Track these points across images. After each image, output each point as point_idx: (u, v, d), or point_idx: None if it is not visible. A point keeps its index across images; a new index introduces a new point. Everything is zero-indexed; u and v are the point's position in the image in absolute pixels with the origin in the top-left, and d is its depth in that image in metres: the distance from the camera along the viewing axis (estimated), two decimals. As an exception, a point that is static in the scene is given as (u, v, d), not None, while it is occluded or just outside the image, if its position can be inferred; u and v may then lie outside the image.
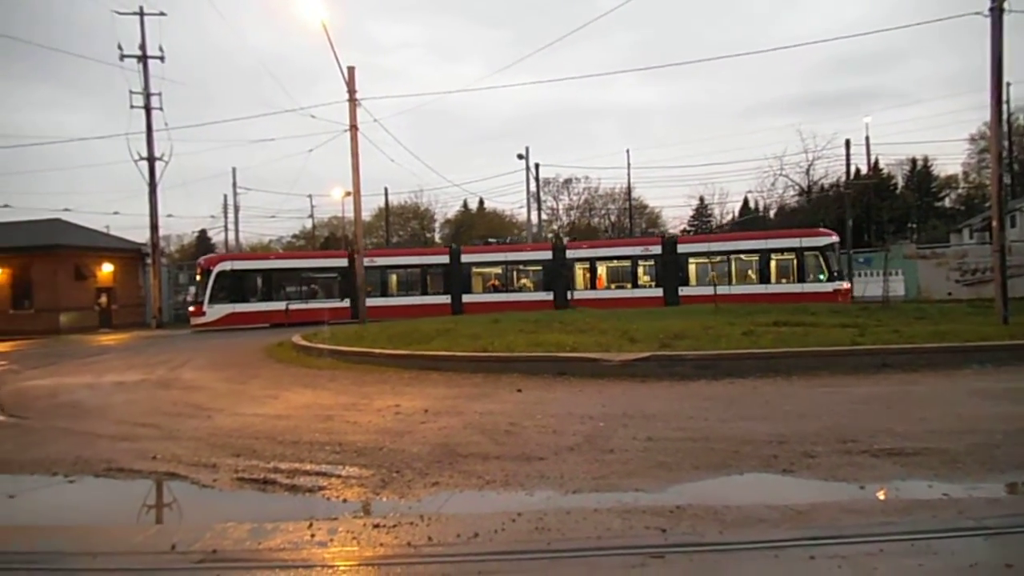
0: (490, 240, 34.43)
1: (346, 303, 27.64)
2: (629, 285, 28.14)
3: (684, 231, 59.65)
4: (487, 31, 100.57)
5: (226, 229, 47.88)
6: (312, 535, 3.58)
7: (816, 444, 5.04)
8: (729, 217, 61.39)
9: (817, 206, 43.16)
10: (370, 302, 25.80)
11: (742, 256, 27.28)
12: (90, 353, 17.39)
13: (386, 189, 48.38)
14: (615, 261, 28.96)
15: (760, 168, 62.24)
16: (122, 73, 30.46)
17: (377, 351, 11.38)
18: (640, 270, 28.15)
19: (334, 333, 15.86)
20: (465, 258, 29.34)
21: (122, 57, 28.90)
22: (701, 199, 60.32)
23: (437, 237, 63.21)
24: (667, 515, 3.69)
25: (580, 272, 28.76)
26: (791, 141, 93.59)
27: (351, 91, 20.73)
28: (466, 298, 28.48)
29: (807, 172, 45.47)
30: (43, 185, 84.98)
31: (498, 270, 29.56)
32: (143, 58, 29.04)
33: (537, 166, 40.66)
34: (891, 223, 50.39)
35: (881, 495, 4.10)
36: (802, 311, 14.25)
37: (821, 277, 25.47)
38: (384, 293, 28.52)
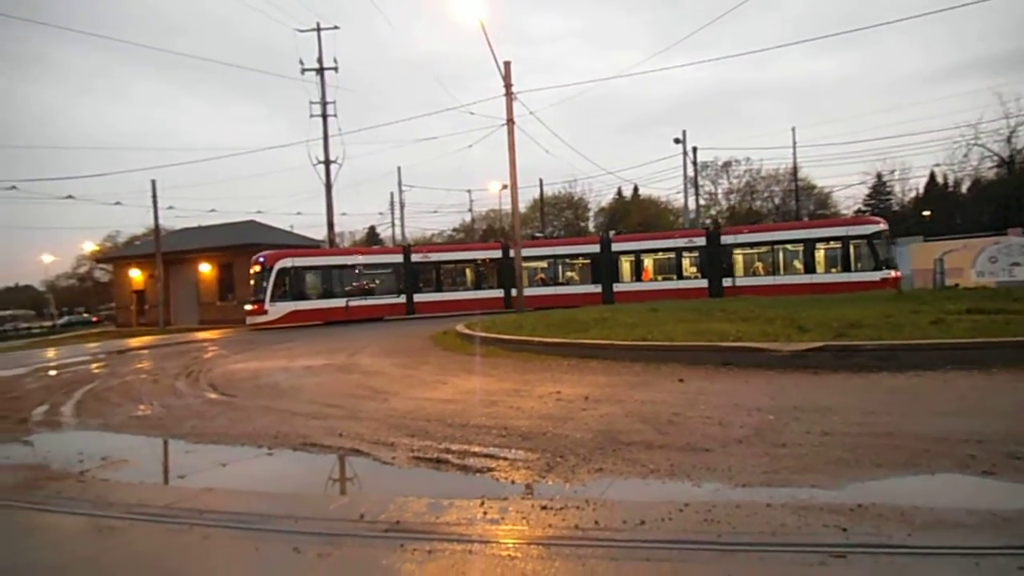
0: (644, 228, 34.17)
1: (402, 299, 28.33)
2: (675, 276, 28.01)
3: (858, 211, 55.01)
4: (644, 15, 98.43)
5: (392, 225, 51.10)
6: (484, 512, 3.78)
7: (1023, 445, 4.49)
8: (912, 194, 55.68)
9: (1021, 178, 37.93)
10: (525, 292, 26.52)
11: (788, 246, 26.80)
12: (282, 340, 19.33)
13: (541, 180, 49.03)
14: (660, 253, 28.74)
15: (950, 139, 55.56)
16: (302, 86, 33.35)
17: (536, 339, 11.63)
18: (686, 262, 27.97)
19: (494, 322, 16.41)
20: (616, 247, 29.18)
21: (303, 71, 31.77)
22: (879, 176, 55.18)
23: (591, 226, 63.11)
24: (847, 513, 3.47)
25: (625, 264, 28.87)
26: (988, 107, 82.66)
27: (507, 85, 21.24)
28: (617, 287, 28.32)
29: (1008, 140, 40.15)
30: (241, 191, 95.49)
31: (649, 259, 29.08)
32: (320, 70, 31.68)
33: (695, 150, 39.31)
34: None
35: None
36: (1002, 296, 12.62)
37: (870, 266, 24.92)
38: (530, 284, 28.59)
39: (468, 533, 3.50)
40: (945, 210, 49.91)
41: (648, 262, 29.06)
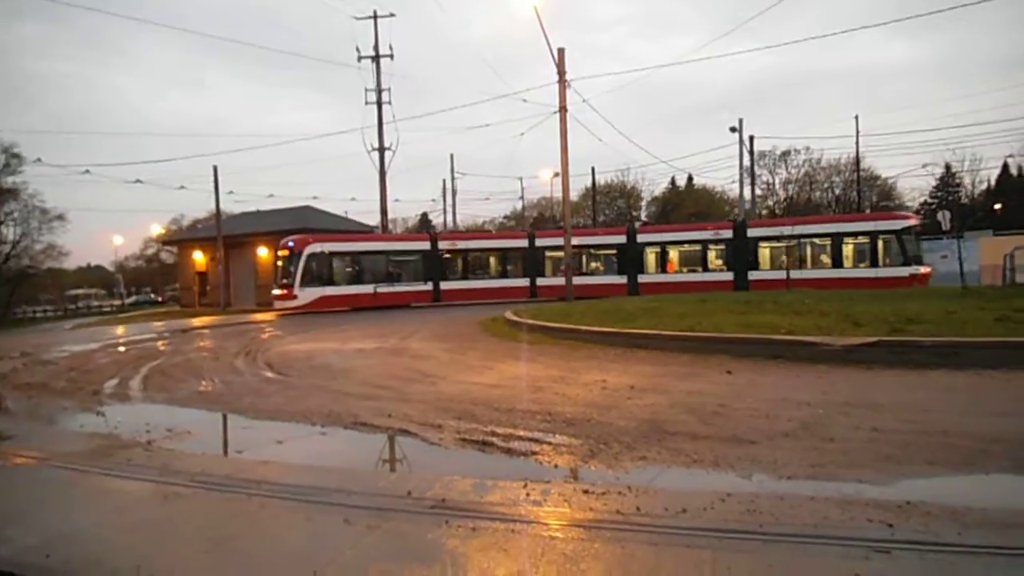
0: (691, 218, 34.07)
1: (429, 286, 28.38)
2: (700, 269, 27.78)
3: (924, 203, 52.98)
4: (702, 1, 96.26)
5: (444, 211, 51.59)
6: (527, 494, 3.86)
7: (1086, 448, 4.33)
8: (983, 186, 53.24)
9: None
10: (548, 281, 27.73)
11: (815, 240, 26.49)
12: (334, 323, 19.82)
13: (593, 169, 48.62)
14: (686, 245, 28.55)
15: (1025, 128, 52.80)
16: (359, 74, 33.89)
17: (583, 328, 11.66)
18: (711, 254, 27.77)
19: (541, 310, 16.49)
20: (642, 238, 29.21)
21: (359, 59, 32.33)
22: (947, 166, 52.86)
23: (643, 215, 62.41)
24: (894, 510, 3.42)
25: (651, 256, 28.77)
26: (1071, 93, 78.00)
27: (560, 72, 21.15)
28: (642, 278, 28.31)
29: (1091, 129, 37.79)
30: (298, 176, 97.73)
31: (674, 250, 28.97)
32: (376, 58, 32.16)
33: (752, 139, 38.39)
34: None
35: None
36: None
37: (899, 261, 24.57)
38: (553, 273, 29.08)
39: (511, 513, 3.59)
40: (1018, 202, 47.51)
41: (674, 254, 28.96)
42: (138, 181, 34.16)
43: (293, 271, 26.16)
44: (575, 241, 30.06)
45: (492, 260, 30.56)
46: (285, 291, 26.24)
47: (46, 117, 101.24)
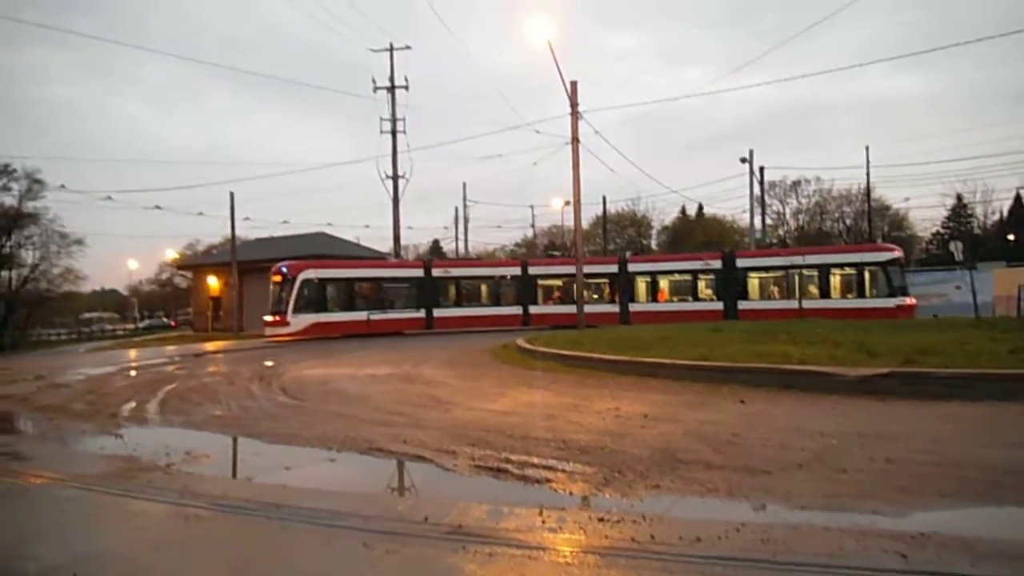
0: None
1: (422, 313, 28.23)
2: (690, 298, 28.15)
3: (937, 233, 52.85)
4: (717, 32, 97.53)
5: (456, 239, 51.91)
6: (543, 521, 3.91)
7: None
8: (995, 217, 53.07)
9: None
10: (541, 309, 28.67)
11: (803, 271, 26.88)
12: (348, 349, 19.93)
13: (604, 198, 48.94)
14: (676, 275, 28.97)
15: (1038, 159, 52.75)
16: (374, 103, 34.43)
17: (596, 356, 11.69)
18: (701, 284, 28.19)
19: (554, 337, 16.53)
20: (632, 267, 29.73)
21: (375, 89, 32.92)
22: (959, 197, 52.81)
23: (653, 244, 62.57)
24: (908, 540, 3.45)
25: (641, 285, 29.16)
26: (1083, 124, 77.88)
27: (573, 105, 21.46)
28: (633, 307, 28.73)
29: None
30: (312, 203, 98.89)
31: (665, 280, 29.42)
32: (391, 88, 32.72)
33: (762, 169, 38.58)
34: None
35: None
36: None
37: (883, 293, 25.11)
38: (544, 301, 30.00)
39: (527, 539, 3.64)
40: (1032, 234, 47.26)
41: (664, 283, 29.38)
42: (156, 207, 34.67)
43: (286, 297, 25.57)
44: (568, 270, 30.20)
45: (485, 288, 30.39)
46: (278, 318, 25.63)
47: (59, 143, 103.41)
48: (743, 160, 36.78)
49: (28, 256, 36.50)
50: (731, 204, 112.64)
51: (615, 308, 28.86)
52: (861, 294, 25.65)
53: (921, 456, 5.10)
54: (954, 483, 4.46)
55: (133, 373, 14.99)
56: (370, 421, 7.47)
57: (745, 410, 7.32)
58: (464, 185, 52.24)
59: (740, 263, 27.92)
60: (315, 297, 26.14)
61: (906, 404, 7.26)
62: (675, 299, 28.93)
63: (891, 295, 24.94)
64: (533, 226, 58.67)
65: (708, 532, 3.62)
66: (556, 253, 38.89)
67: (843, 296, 26.03)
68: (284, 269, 26.25)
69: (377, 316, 26.96)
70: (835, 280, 26.43)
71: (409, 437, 6.43)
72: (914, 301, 25.54)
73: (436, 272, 29.29)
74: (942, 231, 53.03)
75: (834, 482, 4.55)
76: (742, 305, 26.96)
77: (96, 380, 13.41)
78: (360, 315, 26.69)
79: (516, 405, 8.25)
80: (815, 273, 26.62)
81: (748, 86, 72.36)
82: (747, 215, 40.67)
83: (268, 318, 26.21)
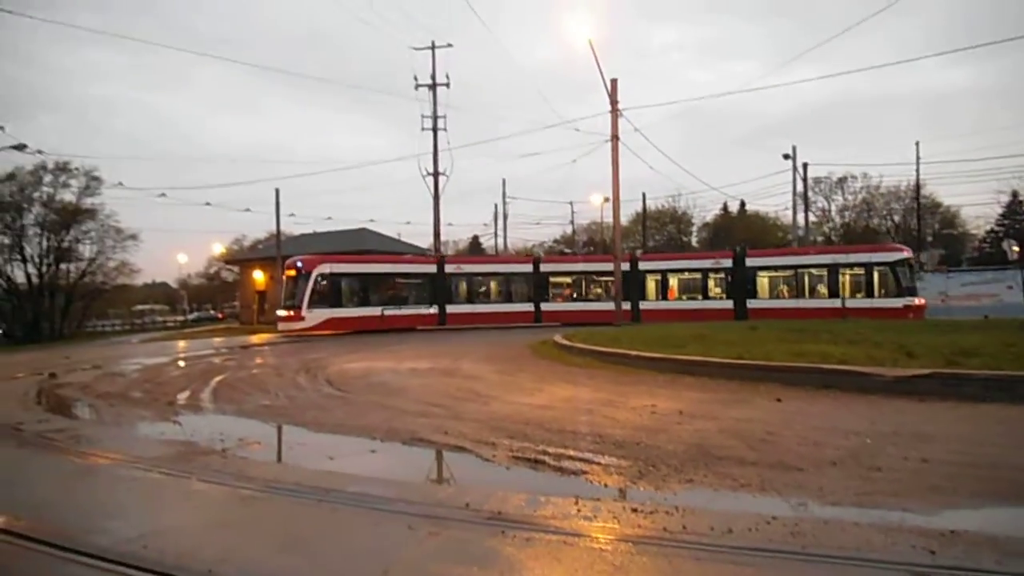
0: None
1: (435, 309, 28.29)
2: (700, 296, 28.22)
3: (991, 231, 51.17)
4: (764, 25, 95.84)
5: (496, 235, 52.21)
6: (578, 510, 4.07)
7: None
8: (1054, 214, 51.03)
9: None
10: (552, 307, 29.05)
11: (813, 270, 27.20)
12: (388, 343, 20.35)
13: (644, 195, 48.68)
14: (687, 273, 29.03)
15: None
16: (416, 100, 34.81)
17: (633, 353, 11.79)
18: (711, 282, 28.30)
19: (591, 334, 16.63)
20: (643, 265, 30.01)
21: (416, 87, 33.34)
22: (1014, 194, 50.89)
23: (694, 241, 61.92)
24: (937, 537, 3.51)
25: (652, 283, 29.26)
26: None
27: (613, 102, 21.49)
28: (643, 305, 28.86)
29: None
30: (356, 199, 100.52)
31: (675, 278, 29.55)
32: (432, 86, 33.11)
33: (805, 166, 37.89)
34: None
35: None
36: None
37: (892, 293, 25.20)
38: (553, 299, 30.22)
39: (563, 526, 3.81)
40: (1093, 233, 45.39)
41: (674, 281, 29.48)
42: (207, 204, 35.75)
43: (301, 292, 25.60)
44: (579, 268, 31.15)
45: (499, 285, 30.55)
46: (292, 312, 25.66)
47: (112, 141, 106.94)
48: (786, 156, 36.20)
49: (85, 250, 37.95)
50: (774, 201, 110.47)
51: (627, 306, 28.66)
52: (870, 294, 25.78)
53: (956, 456, 5.12)
54: (988, 484, 4.49)
55: (185, 364, 15.61)
56: (412, 412, 7.72)
57: (781, 408, 7.37)
58: (504, 182, 52.92)
59: (750, 262, 28.14)
60: (330, 292, 26.18)
61: (944, 405, 7.20)
62: (684, 297, 29.05)
63: (899, 295, 25.00)
64: (572, 222, 58.69)
65: (739, 524, 3.74)
66: (568, 251, 39.14)
67: (852, 296, 26.06)
68: (299, 264, 26.37)
69: (391, 312, 27.09)
70: (844, 280, 26.50)
71: (450, 428, 6.66)
72: (923, 302, 25.65)
73: (449, 268, 29.38)
74: (996, 229, 51.26)
75: (867, 480, 4.61)
76: (751, 304, 27.19)
77: (151, 370, 14.03)
78: (374, 310, 26.83)
79: (553, 400, 8.42)
80: (824, 273, 26.81)
81: (794, 82, 70.55)
82: (791, 212, 40.04)
83: (282, 312, 26.38)
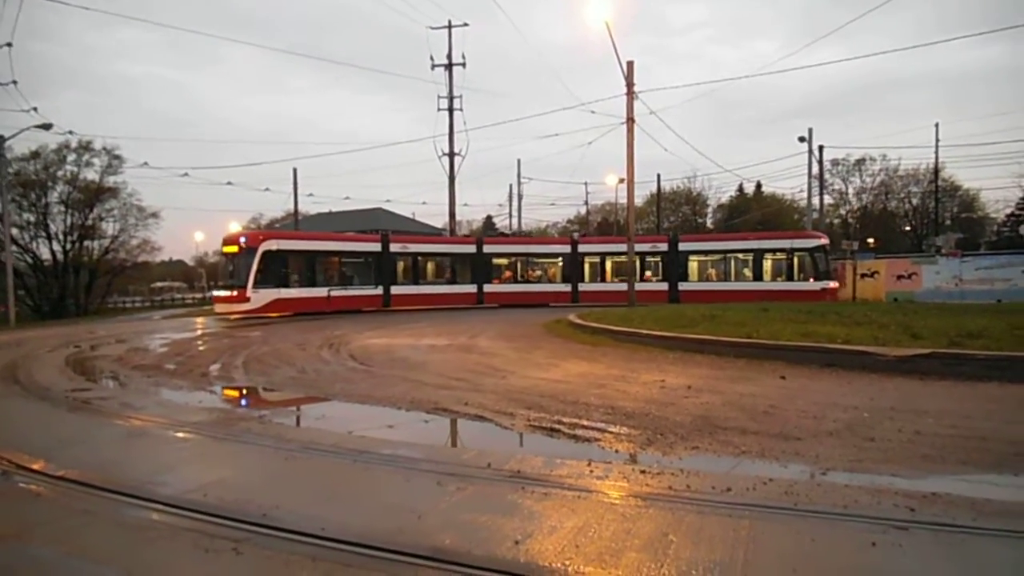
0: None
1: (379, 290, 27.22)
2: (637, 279, 28.49)
3: (1011, 215, 50.71)
4: (788, 4, 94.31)
5: (510, 215, 52.44)
6: (591, 471, 4.47)
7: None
8: (1076, 198, 50.41)
9: None
10: (495, 288, 29.79)
11: (739, 255, 29.01)
12: (406, 321, 20.82)
13: (658, 176, 48.83)
14: (622, 257, 28.94)
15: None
16: (433, 79, 34.98)
17: (644, 332, 12.14)
18: (649, 266, 29.73)
19: (605, 314, 17.00)
20: (583, 248, 31.00)
21: (433, 67, 33.52)
22: (1035, 177, 50.22)
23: (709, 222, 61.79)
24: (919, 498, 3.86)
25: (588, 265, 30.62)
26: None
27: (629, 84, 21.61)
28: (582, 287, 30.07)
29: None
30: (372, 179, 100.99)
31: (610, 261, 30.58)
32: (449, 66, 33.27)
33: (821, 148, 37.73)
34: None
35: None
36: None
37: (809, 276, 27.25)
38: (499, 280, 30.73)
39: (577, 484, 4.21)
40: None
41: (610, 264, 30.52)
42: (228, 183, 36.28)
43: (246, 270, 23.18)
44: (521, 249, 32.20)
45: (442, 265, 30.15)
46: (236, 292, 23.30)
47: (137, 119, 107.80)
48: (801, 139, 36.05)
49: (108, 228, 38.73)
50: (791, 183, 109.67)
51: (567, 288, 30.18)
52: (790, 277, 27.69)
53: (948, 430, 5.46)
54: (975, 454, 4.82)
55: (210, 338, 16.15)
56: (433, 385, 8.14)
57: (785, 385, 7.71)
58: (519, 162, 53.12)
59: (683, 247, 29.65)
60: (277, 271, 23.98)
61: (943, 384, 7.52)
62: (619, 280, 29.10)
63: (816, 279, 27.06)
64: (587, 203, 58.76)
65: (738, 484, 4.12)
66: (508, 233, 40.60)
67: (773, 279, 28.06)
68: (243, 240, 24.25)
69: (337, 293, 25.82)
70: (767, 264, 28.47)
71: (470, 400, 7.07)
72: (836, 285, 27.93)
73: (394, 248, 28.07)
74: (1017, 213, 50.77)
75: (860, 449, 4.97)
76: (683, 286, 28.81)
77: (180, 344, 14.58)
78: (321, 291, 25.32)
79: (568, 375, 8.81)
80: (749, 257, 28.59)
81: (814, 64, 69.66)
82: (805, 193, 39.91)
83: (221, 293, 24.42)
